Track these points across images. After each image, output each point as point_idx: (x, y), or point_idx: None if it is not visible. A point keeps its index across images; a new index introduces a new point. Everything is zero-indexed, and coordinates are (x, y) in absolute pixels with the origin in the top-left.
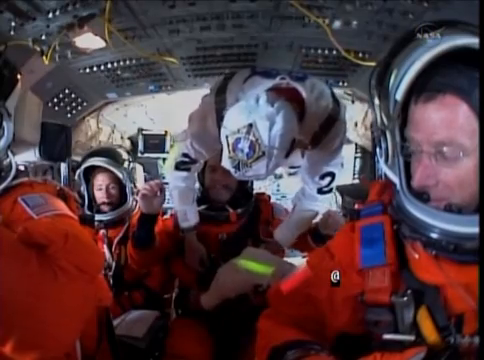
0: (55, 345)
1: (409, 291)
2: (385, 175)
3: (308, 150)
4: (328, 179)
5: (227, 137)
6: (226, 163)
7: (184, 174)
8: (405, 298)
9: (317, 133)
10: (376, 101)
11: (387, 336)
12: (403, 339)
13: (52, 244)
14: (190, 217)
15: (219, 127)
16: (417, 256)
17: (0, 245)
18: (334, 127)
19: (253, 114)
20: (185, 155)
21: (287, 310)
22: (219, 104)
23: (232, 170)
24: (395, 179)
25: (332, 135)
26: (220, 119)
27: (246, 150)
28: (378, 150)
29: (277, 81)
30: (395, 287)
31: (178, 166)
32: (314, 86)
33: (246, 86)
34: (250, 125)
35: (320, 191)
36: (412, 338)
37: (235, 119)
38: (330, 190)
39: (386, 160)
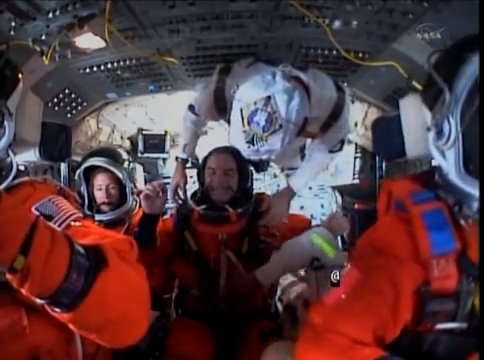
0: (138, 335)
1: (471, 277)
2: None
3: (316, 138)
4: (339, 145)
5: (242, 110)
6: (238, 139)
7: (193, 117)
8: (471, 285)
9: (326, 122)
10: (444, 85)
11: (440, 326)
12: (456, 327)
13: (121, 252)
14: (187, 151)
15: (216, 106)
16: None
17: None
18: (342, 114)
19: (271, 87)
20: (191, 106)
21: (344, 327)
22: (219, 83)
23: (245, 146)
24: (447, 164)
25: (341, 122)
26: (216, 97)
27: (263, 123)
28: (433, 135)
29: (280, 68)
30: (461, 274)
31: (190, 108)
32: (316, 75)
33: (249, 71)
34: (268, 98)
35: (331, 151)
36: (464, 325)
37: (251, 92)
38: (340, 148)
39: (446, 142)
